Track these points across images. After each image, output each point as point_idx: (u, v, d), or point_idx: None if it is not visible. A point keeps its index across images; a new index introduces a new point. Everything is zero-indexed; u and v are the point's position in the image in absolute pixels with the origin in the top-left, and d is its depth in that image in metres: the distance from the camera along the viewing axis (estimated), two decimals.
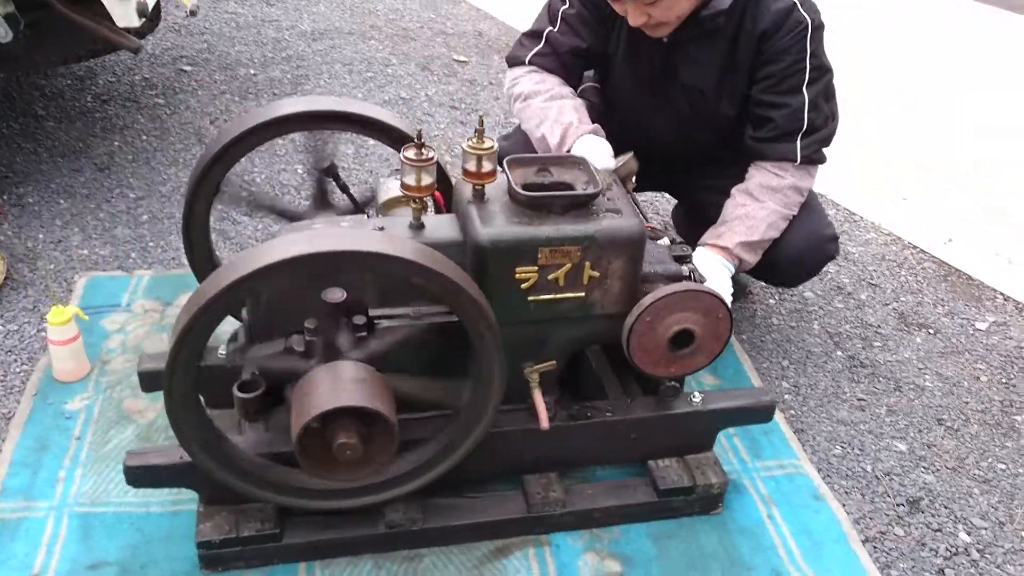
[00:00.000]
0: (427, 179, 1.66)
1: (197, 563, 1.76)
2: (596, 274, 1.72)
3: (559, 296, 1.72)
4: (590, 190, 1.70)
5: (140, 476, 1.71)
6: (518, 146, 2.27)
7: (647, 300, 1.69)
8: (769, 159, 2.16)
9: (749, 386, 2.27)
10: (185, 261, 2.45)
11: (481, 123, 1.67)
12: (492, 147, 1.66)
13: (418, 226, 1.70)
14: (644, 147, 2.08)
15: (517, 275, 1.68)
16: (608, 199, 1.74)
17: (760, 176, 2.16)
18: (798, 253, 2.20)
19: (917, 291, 2.82)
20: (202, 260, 2.04)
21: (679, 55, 2.18)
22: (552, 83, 2.22)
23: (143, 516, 1.85)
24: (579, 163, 1.78)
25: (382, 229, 1.68)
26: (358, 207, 1.97)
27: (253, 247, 1.72)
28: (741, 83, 2.17)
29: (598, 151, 2.05)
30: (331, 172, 1.93)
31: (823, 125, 2.14)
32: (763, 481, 2.03)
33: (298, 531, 1.77)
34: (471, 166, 1.68)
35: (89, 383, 2.14)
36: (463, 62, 4.05)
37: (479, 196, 1.71)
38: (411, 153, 1.65)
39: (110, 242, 2.63)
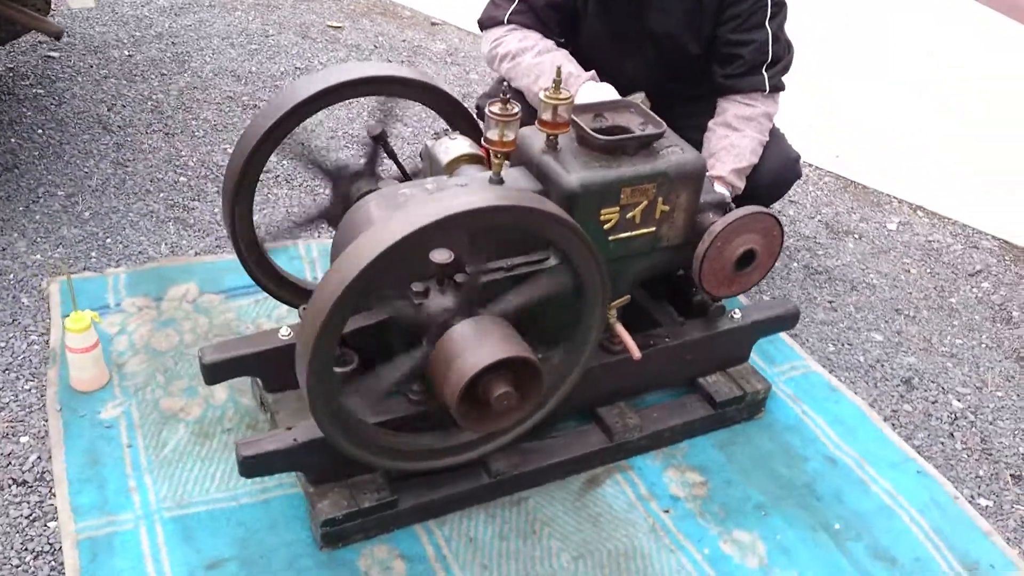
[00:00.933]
0: (510, 134, 1.70)
1: (313, 544, 1.74)
2: (667, 208, 1.83)
3: (635, 233, 1.83)
4: (651, 130, 1.80)
5: (255, 465, 1.67)
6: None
7: (717, 227, 1.83)
8: (740, 92, 2.33)
9: (740, 307, 2.47)
10: (153, 253, 2.35)
11: (559, 73, 1.73)
12: (570, 97, 1.72)
13: (498, 180, 1.74)
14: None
15: (602, 216, 1.77)
16: (665, 136, 1.85)
17: (734, 108, 2.33)
18: (774, 176, 2.40)
19: (830, 203, 3.12)
20: (246, 231, 1.97)
21: (648, 3, 2.30)
22: (536, 38, 2.29)
23: (237, 509, 1.80)
24: (630, 106, 1.88)
25: (465, 186, 1.71)
26: (406, 176, 1.97)
27: (384, 217, 1.65)
28: (707, 25, 2.32)
29: (606, 95, 2.15)
30: (382, 139, 1.92)
31: (784, 54, 2.34)
32: (785, 384, 2.24)
33: (410, 495, 1.79)
34: (547, 116, 1.74)
35: (113, 389, 2.02)
36: (338, 27, 3.98)
37: (552, 146, 1.77)
38: (496, 108, 1.68)
39: (61, 243, 2.45)
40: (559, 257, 1.67)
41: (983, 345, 2.49)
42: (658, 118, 1.84)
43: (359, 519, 1.74)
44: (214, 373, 1.85)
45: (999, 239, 3.02)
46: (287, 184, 2.82)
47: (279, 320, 2.25)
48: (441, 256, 1.63)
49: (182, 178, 2.77)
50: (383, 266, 1.46)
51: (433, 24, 4.22)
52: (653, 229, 1.84)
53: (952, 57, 4.47)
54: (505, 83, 1.87)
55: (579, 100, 2.12)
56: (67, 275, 2.04)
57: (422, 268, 1.64)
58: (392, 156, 1.95)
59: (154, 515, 1.76)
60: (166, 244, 2.49)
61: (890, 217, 3.07)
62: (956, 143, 3.66)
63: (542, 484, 1.91)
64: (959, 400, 2.28)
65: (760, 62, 2.31)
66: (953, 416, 2.22)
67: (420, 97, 1.98)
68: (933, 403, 2.26)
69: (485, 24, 2.35)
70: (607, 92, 2.16)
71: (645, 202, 1.80)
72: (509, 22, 2.30)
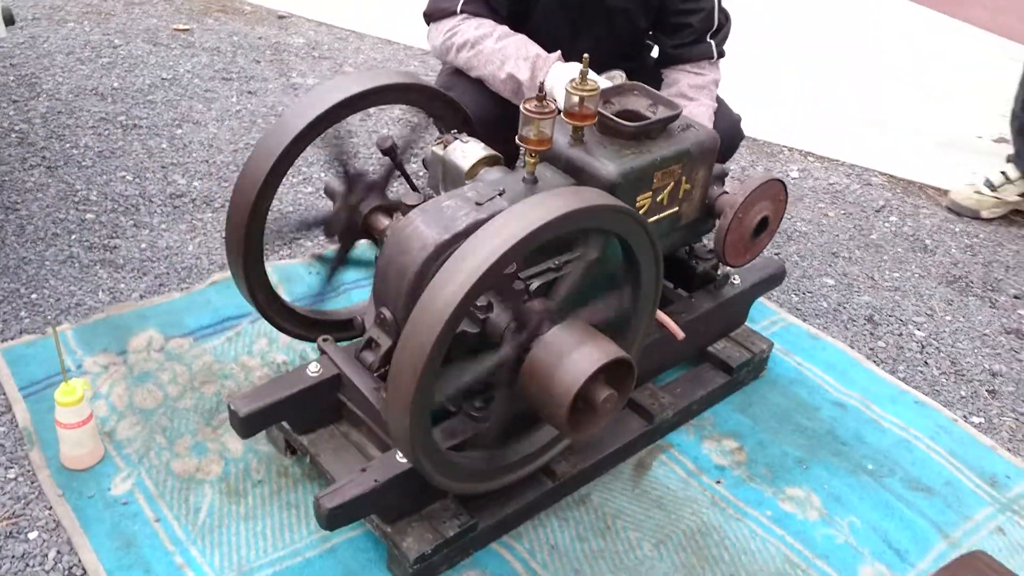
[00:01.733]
0: (547, 131, 1.65)
1: None
2: (688, 187, 1.84)
3: (663, 215, 1.83)
4: (669, 112, 1.80)
5: (341, 515, 1.56)
6: (466, 94, 2.24)
7: (738, 199, 1.86)
8: (690, 61, 2.37)
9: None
10: (93, 303, 2.15)
11: (586, 64, 1.68)
12: (596, 88, 1.69)
13: (532, 180, 1.69)
14: None
15: (638, 203, 1.76)
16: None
17: (686, 78, 2.37)
18: (725, 140, 2.45)
19: (733, 160, 3.24)
20: (261, 278, 1.81)
21: None
22: (491, 25, 2.22)
23: (305, 565, 1.67)
24: (633, 89, 1.87)
25: (503, 192, 1.65)
26: (415, 190, 1.85)
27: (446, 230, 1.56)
28: None
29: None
30: (393, 152, 1.80)
31: (725, 21, 2.40)
32: (770, 338, 2.32)
33: (486, 514, 1.73)
34: (575, 108, 1.70)
35: (113, 460, 1.82)
36: (186, 30, 3.70)
37: (579, 138, 1.74)
38: (532, 105, 1.63)
39: None
40: (599, 250, 1.64)
41: (916, 275, 2.68)
42: (665, 96, 1.84)
43: (445, 549, 1.66)
44: (251, 425, 1.70)
45: (885, 174, 3.24)
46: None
47: (260, 355, 2.10)
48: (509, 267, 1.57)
49: (88, 215, 2.51)
50: (486, 284, 1.39)
51: (280, 17, 4.02)
52: (676, 209, 1.85)
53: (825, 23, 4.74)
54: (543, 83, 1.75)
55: (550, 82, 2.08)
56: (54, 329, 1.79)
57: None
58: (402, 170, 1.84)
59: None
60: (102, 291, 2.25)
61: (789, 166, 3.23)
62: (830, 93, 3.88)
63: (596, 478, 1.89)
64: (919, 329, 2.45)
65: (707, 29, 2.34)
66: (920, 345, 2.38)
67: (418, 102, 1.87)
68: (899, 336, 2.41)
69: (434, 16, 2.25)
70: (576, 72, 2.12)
71: (672, 183, 1.80)
72: (461, 11, 2.21)
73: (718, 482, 1.92)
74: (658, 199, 1.79)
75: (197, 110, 3.08)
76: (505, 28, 2.23)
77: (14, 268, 2.28)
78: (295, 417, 1.78)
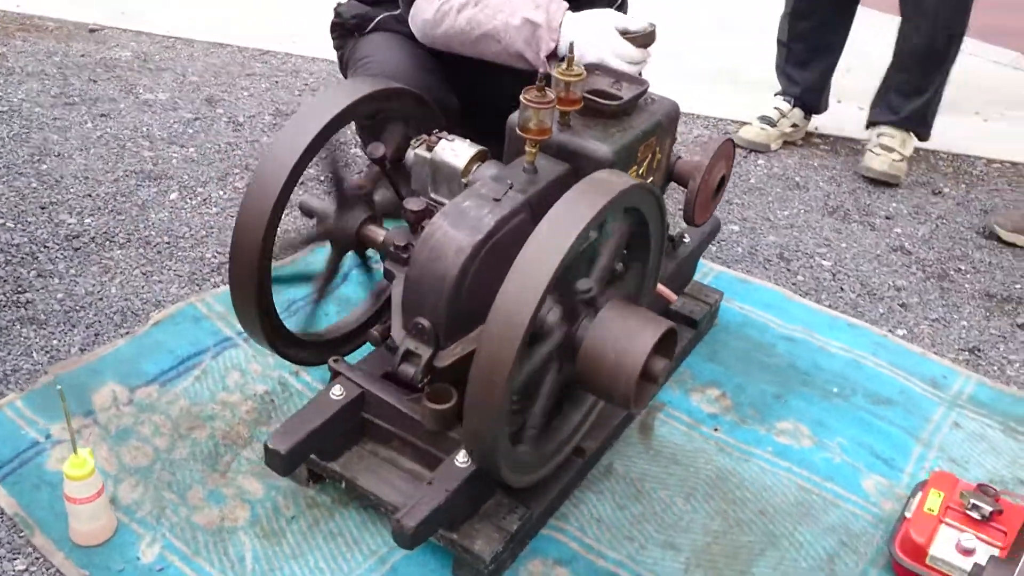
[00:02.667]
0: (547, 121, 1.67)
1: None
2: (660, 156, 1.93)
3: None
4: (634, 88, 1.87)
5: (421, 532, 1.54)
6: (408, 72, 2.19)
7: (704, 163, 1.96)
8: None
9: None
10: (30, 366, 2.03)
11: (571, 49, 1.71)
12: (583, 73, 1.72)
13: (533, 170, 1.71)
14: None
15: None
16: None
17: None
18: None
19: None
20: (270, 311, 1.72)
21: None
22: None
23: None
24: (595, 68, 1.91)
25: (511, 186, 1.67)
26: (401, 199, 1.80)
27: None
28: None
29: (618, 16, 2.03)
30: (383, 162, 1.75)
31: None
32: None
33: (533, 503, 1.75)
34: (562, 93, 1.73)
35: (129, 528, 1.70)
36: None
37: (567, 123, 1.77)
38: (532, 95, 1.64)
39: None
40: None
41: (802, 211, 2.91)
42: (622, 70, 1.91)
43: (513, 544, 1.68)
44: (293, 462, 1.65)
45: (737, 122, 3.46)
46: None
47: (237, 389, 2.01)
48: None
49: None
50: (557, 278, 1.41)
51: (92, 31, 3.75)
52: (652, 179, 1.93)
53: None
54: (546, 73, 1.69)
55: (566, 28, 2.00)
56: (60, 393, 1.64)
57: None
58: (391, 179, 1.80)
59: None
60: (36, 351, 2.06)
61: (692, 129, 3.39)
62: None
63: (610, 447, 1.96)
64: (824, 260, 2.67)
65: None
66: (831, 274, 2.61)
67: (399, 107, 1.84)
68: (811, 268, 2.63)
69: None
70: (617, 14, 2.05)
71: (650, 155, 1.88)
72: None
73: (715, 429, 2.04)
74: (640, 171, 1.86)
75: (54, 141, 2.83)
76: None
77: None
78: (327, 444, 1.72)
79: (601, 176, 1.55)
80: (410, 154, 1.81)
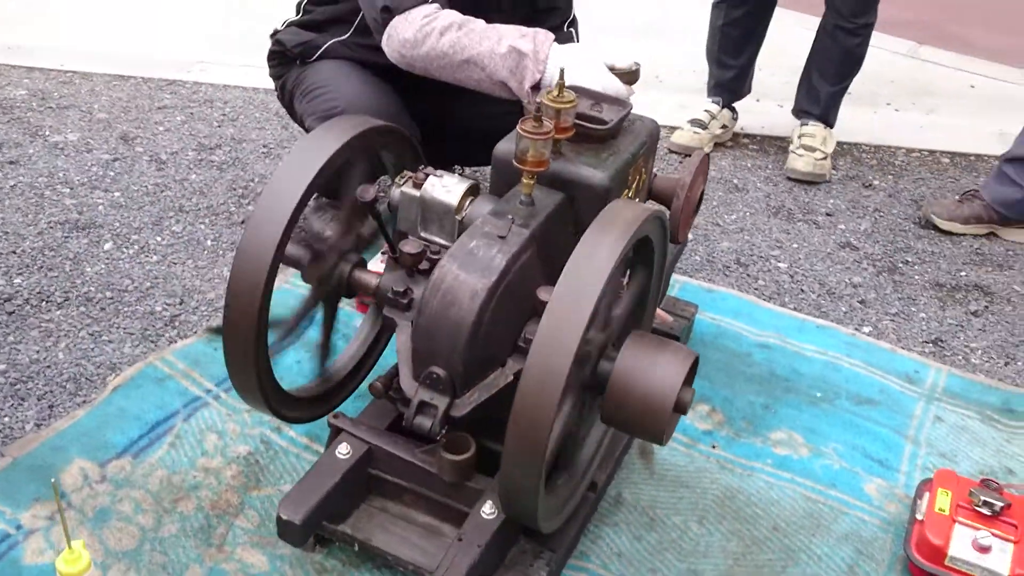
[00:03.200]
0: (545, 151, 1.62)
1: None
2: (645, 175, 1.89)
3: None
4: (618, 110, 1.82)
5: None
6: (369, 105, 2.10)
7: (687, 180, 1.94)
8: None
9: None
10: None
11: (562, 75, 1.66)
12: (574, 101, 1.67)
13: (530, 202, 1.65)
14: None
15: None
16: None
17: None
18: None
19: None
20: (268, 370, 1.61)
21: None
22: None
23: None
24: (577, 91, 1.86)
25: (513, 221, 1.60)
26: (393, 247, 1.69)
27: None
28: None
29: (605, 52, 1.99)
30: (373, 206, 1.64)
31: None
32: None
33: (554, 544, 1.68)
34: (552, 122, 1.67)
35: None
36: None
37: (559, 151, 1.72)
38: (529, 126, 1.58)
39: None
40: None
41: (748, 214, 2.94)
42: (597, 92, 1.87)
43: None
44: (308, 530, 1.55)
45: (666, 126, 3.47)
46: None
47: (218, 452, 1.89)
48: (548, 293, 1.53)
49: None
50: (594, 317, 1.36)
51: None
52: (638, 199, 1.90)
53: None
54: (540, 104, 1.62)
55: (552, 59, 1.96)
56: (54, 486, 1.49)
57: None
58: (381, 223, 1.69)
59: None
60: None
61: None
62: None
63: (615, 477, 1.92)
64: (780, 262, 2.70)
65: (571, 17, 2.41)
66: (790, 276, 2.63)
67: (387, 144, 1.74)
68: (769, 272, 2.64)
69: (402, 7, 2.03)
70: (598, 51, 1.99)
71: (638, 175, 1.84)
72: (433, 1, 2.04)
73: (713, 447, 2.02)
74: (631, 194, 1.82)
75: None
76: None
77: None
78: (337, 506, 1.63)
79: (617, 208, 1.51)
80: (395, 192, 1.72)
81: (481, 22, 2.03)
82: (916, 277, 2.68)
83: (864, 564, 1.79)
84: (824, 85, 3.20)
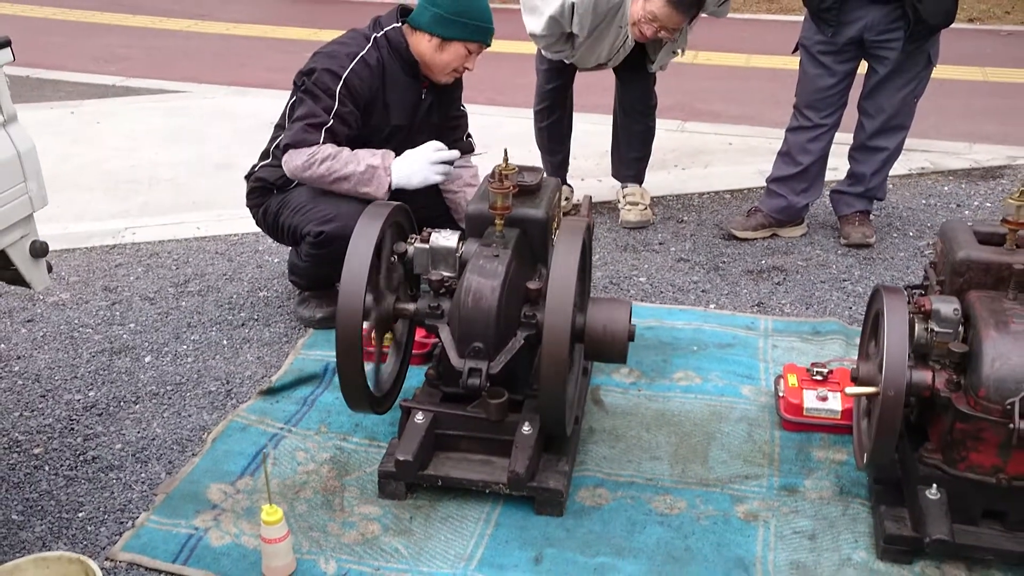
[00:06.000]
0: (508, 201, 2.51)
1: None
2: (558, 215, 2.83)
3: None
4: (536, 174, 2.75)
5: (524, 478, 2.28)
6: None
7: (589, 219, 2.89)
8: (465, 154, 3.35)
9: None
10: (136, 492, 2.50)
11: (506, 155, 2.58)
12: (515, 168, 2.59)
13: (501, 236, 2.54)
14: None
15: (553, 227, 2.70)
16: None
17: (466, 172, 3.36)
18: None
19: None
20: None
21: (441, 96, 3.23)
22: (340, 147, 2.98)
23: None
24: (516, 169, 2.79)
25: (498, 247, 2.49)
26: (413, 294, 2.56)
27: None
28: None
29: (429, 152, 3.08)
30: (403, 256, 2.50)
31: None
32: None
33: (566, 454, 2.53)
34: (497, 203, 2.57)
35: (302, 560, 2.25)
36: None
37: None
38: (496, 185, 2.48)
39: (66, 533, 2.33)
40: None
41: (605, 252, 3.93)
42: (516, 167, 2.81)
43: (567, 482, 2.45)
44: (414, 467, 2.34)
45: None
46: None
47: (308, 460, 2.59)
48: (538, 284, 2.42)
49: (36, 450, 2.68)
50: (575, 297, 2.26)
51: None
52: (556, 226, 2.83)
53: None
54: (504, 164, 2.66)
55: (396, 165, 3.01)
56: (264, 461, 2.18)
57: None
58: (410, 272, 2.54)
59: None
60: (127, 486, 2.51)
61: None
62: None
63: (584, 416, 2.79)
64: (640, 277, 3.69)
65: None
66: (650, 285, 3.63)
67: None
68: (635, 285, 3.63)
69: (299, 144, 2.95)
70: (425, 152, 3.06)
71: (556, 213, 2.78)
72: (324, 142, 2.95)
73: (639, 390, 2.94)
74: (555, 225, 2.75)
75: (3, 352, 3.20)
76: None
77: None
78: (423, 456, 2.40)
79: (569, 223, 2.43)
80: (412, 248, 2.57)
81: (347, 150, 3.01)
82: (733, 269, 3.74)
83: (756, 431, 2.73)
84: (631, 152, 4.28)
